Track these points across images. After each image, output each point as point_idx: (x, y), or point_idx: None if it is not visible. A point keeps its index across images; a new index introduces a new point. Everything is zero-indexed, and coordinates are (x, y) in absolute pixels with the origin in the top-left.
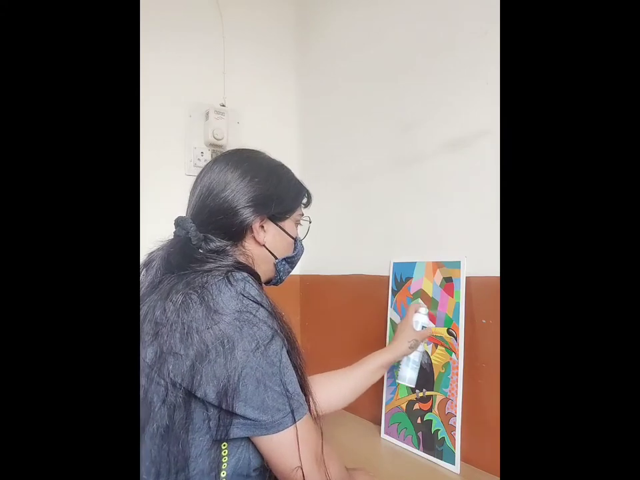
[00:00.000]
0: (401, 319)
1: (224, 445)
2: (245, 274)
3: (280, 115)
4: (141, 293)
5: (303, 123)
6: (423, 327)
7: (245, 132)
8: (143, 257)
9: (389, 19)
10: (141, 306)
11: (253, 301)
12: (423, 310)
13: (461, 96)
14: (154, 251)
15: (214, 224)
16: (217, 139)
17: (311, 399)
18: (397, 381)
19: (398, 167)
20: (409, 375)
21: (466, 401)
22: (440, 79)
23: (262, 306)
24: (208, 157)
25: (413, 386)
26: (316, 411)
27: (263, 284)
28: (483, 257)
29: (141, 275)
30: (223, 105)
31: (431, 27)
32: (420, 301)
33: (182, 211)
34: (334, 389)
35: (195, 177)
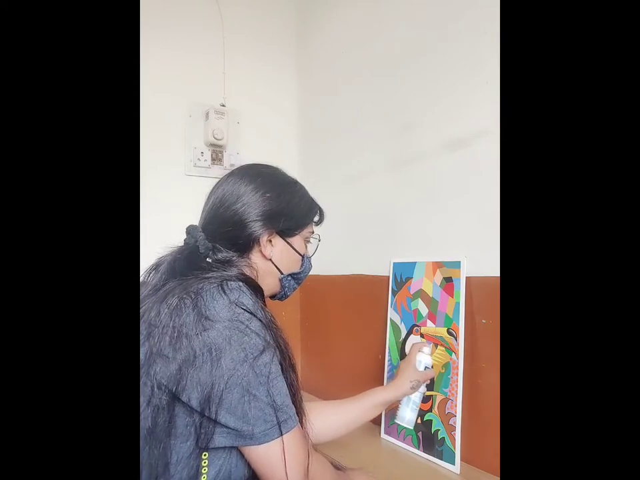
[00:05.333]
0: (401, 320)
1: (204, 455)
2: (241, 283)
3: (280, 114)
4: (144, 294)
5: (302, 122)
6: (426, 367)
7: (245, 132)
8: (142, 256)
9: (388, 19)
10: (140, 307)
11: (245, 310)
12: (427, 349)
13: (460, 95)
14: (163, 256)
15: (223, 234)
16: (217, 139)
17: (303, 414)
18: (395, 420)
19: (398, 166)
20: (408, 415)
21: (466, 401)
22: (440, 78)
23: (255, 316)
24: (208, 156)
25: (412, 427)
26: (307, 427)
27: (268, 298)
28: (482, 257)
29: (148, 278)
30: (223, 105)
31: (430, 26)
32: (424, 339)
33: (181, 211)
34: (326, 419)
35: (211, 188)
